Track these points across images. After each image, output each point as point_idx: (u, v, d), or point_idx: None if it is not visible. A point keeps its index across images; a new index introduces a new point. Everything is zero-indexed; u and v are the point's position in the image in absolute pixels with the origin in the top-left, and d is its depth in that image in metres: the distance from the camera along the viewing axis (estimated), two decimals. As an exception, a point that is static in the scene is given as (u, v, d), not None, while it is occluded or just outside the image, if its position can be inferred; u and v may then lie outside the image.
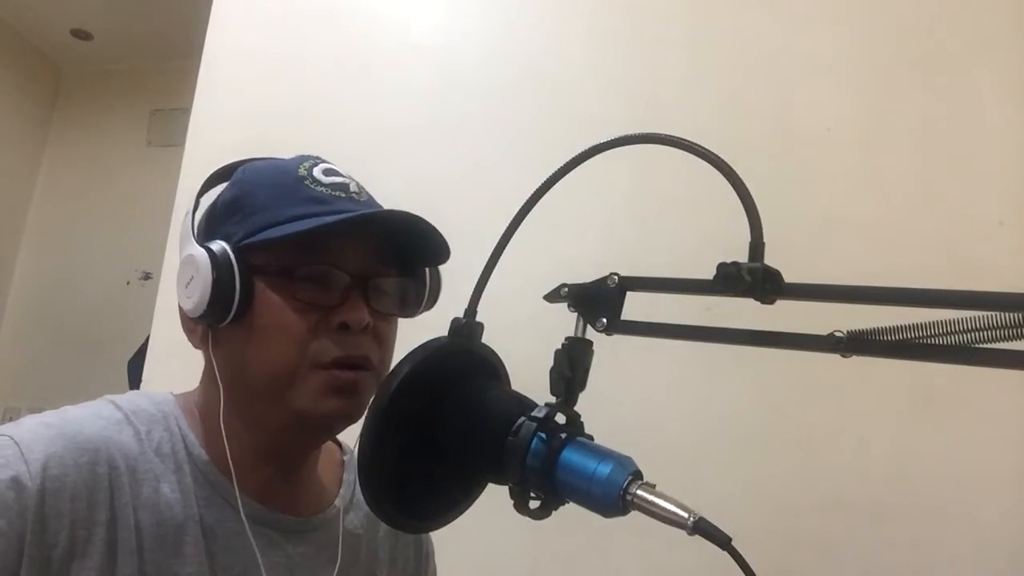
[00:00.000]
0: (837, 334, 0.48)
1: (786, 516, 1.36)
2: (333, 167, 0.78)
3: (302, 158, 0.78)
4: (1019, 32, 1.51)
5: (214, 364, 0.72)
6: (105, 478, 0.67)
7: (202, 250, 0.70)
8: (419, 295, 0.79)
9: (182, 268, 0.72)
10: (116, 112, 3.81)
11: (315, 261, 0.71)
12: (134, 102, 3.77)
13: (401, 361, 0.57)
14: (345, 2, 1.88)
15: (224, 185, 0.79)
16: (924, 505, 1.32)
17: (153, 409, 0.75)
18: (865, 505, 1.34)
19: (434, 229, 0.73)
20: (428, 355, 0.58)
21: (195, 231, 0.74)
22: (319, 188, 0.74)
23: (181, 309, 0.74)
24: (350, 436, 0.59)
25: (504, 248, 0.60)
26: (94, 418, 0.71)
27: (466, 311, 0.61)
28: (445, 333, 0.60)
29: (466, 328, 0.61)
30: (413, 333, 0.61)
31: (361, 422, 0.59)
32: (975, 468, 1.32)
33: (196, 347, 0.77)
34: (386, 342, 0.75)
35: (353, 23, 1.84)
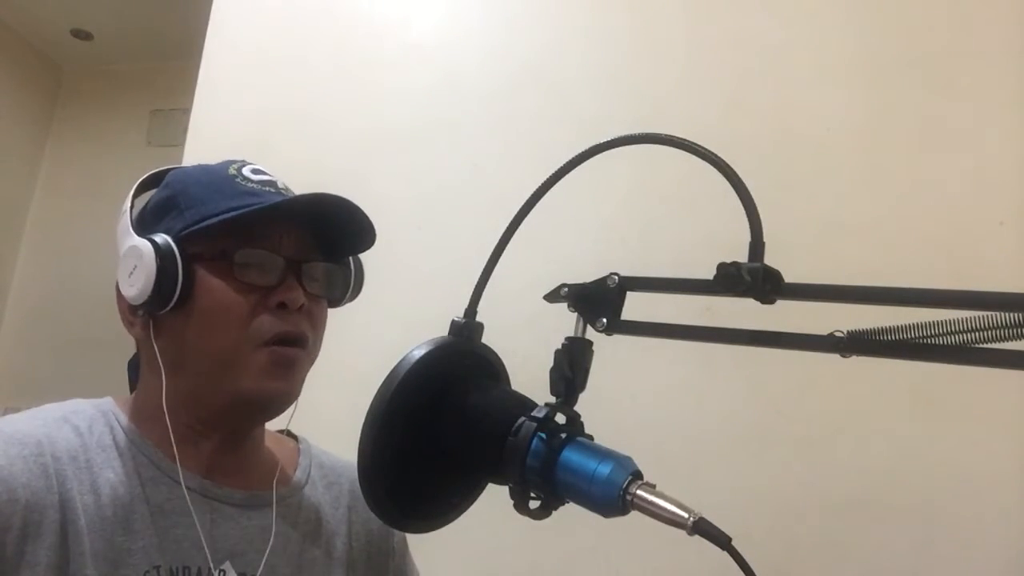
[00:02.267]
0: (837, 334, 0.48)
1: (786, 516, 1.36)
2: (260, 167, 0.83)
3: (229, 161, 0.83)
4: (1020, 32, 1.51)
5: (156, 351, 0.76)
6: (51, 467, 0.70)
7: (144, 240, 0.74)
8: (346, 281, 0.85)
9: (124, 259, 0.75)
10: (116, 112, 3.81)
11: (253, 246, 0.76)
12: (134, 102, 3.76)
13: (401, 361, 0.57)
14: (345, 2, 1.87)
15: (153, 191, 0.84)
16: (924, 505, 1.32)
17: (92, 409, 0.78)
18: (865, 505, 1.34)
19: (363, 212, 0.78)
20: (428, 355, 0.58)
21: (132, 228, 0.78)
22: (250, 184, 0.79)
23: (121, 301, 0.78)
24: (349, 435, 0.59)
25: (504, 248, 0.60)
26: (31, 419, 0.75)
27: (466, 311, 0.61)
28: (445, 333, 0.61)
29: (466, 328, 0.61)
30: (413, 333, 0.61)
31: (359, 419, 0.59)
32: (975, 468, 1.32)
33: (136, 337, 0.81)
34: (318, 323, 0.81)
35: (353, 23, 1.84)
